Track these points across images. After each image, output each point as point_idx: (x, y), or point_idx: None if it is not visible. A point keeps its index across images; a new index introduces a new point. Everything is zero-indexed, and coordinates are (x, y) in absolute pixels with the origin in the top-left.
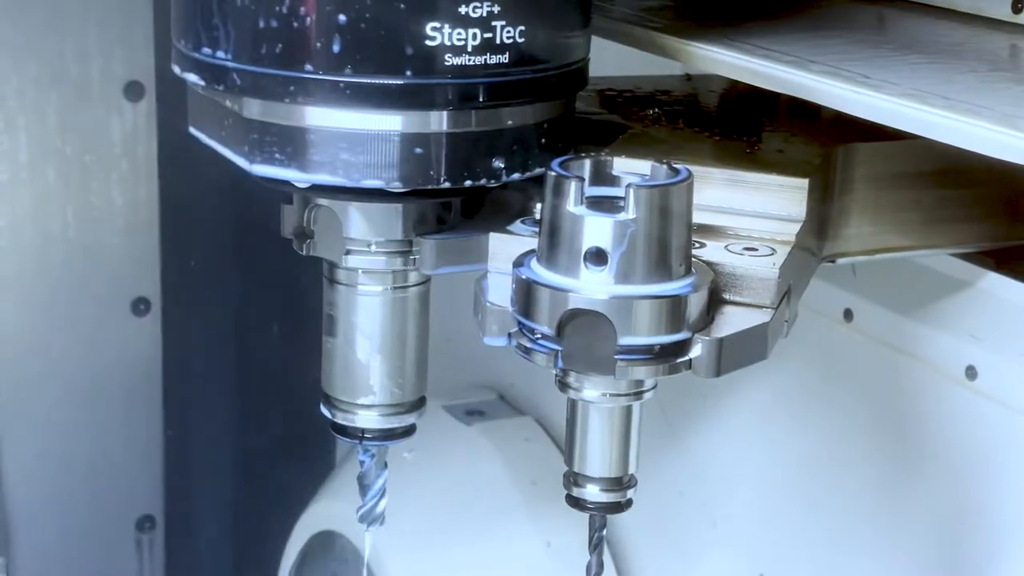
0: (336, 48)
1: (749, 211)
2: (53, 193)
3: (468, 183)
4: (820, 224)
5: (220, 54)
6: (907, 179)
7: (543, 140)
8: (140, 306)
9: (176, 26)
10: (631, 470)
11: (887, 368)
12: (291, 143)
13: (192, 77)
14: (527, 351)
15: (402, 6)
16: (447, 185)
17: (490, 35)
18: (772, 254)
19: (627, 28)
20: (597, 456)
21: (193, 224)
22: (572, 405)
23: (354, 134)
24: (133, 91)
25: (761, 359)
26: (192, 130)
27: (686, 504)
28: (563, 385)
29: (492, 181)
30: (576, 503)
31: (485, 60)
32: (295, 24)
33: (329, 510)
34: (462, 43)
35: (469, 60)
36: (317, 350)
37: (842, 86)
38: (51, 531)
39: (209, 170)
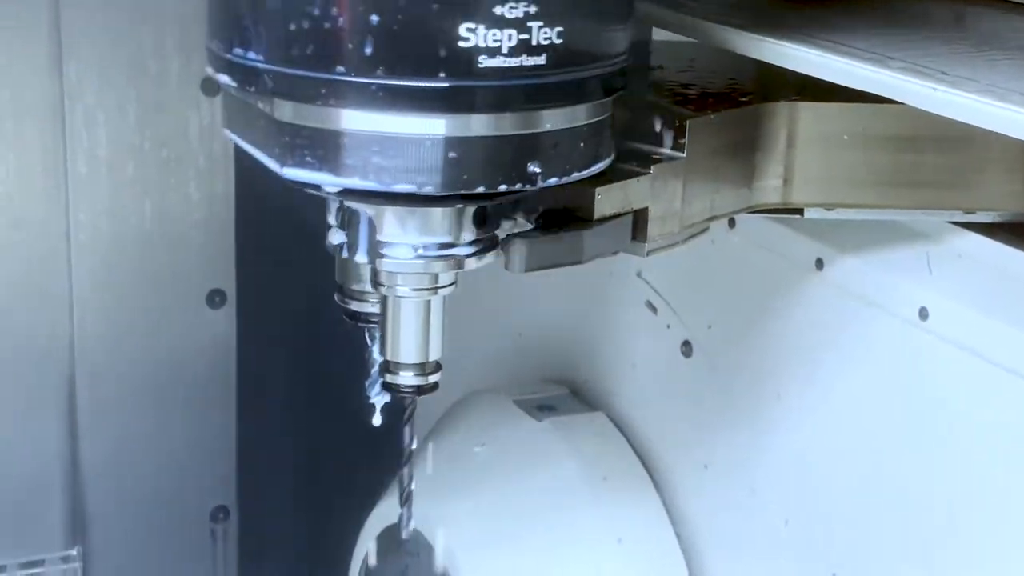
0: (368, 50)
1: None
2: (131, 187)
3: (503, 187)
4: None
5: (252, 55)
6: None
7: (582, 144)
8: (215, 299)
9: (209, 26)
10: (433, 357)
11: (962, 372)
12: (322, 146)
13: (224, 78)
14: None
15: (435, 7)
16: (481, 190)
17: (526, 36)
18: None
19: (701, 24)
20: (408, 345)
21: (268, 217)
22: (384, 302)
23: (386, 137)
24: (210, 86)
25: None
26: (226, 132)
27: (757, 502)
28: (376, 284)
29: (528, 186)
30: (390, 387)
31: (521, 62)
32: (327, 25)
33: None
34: (497, 44)
35: (505, 62)
36: None
37: (920, 83)
38: (127, 521)
39: None
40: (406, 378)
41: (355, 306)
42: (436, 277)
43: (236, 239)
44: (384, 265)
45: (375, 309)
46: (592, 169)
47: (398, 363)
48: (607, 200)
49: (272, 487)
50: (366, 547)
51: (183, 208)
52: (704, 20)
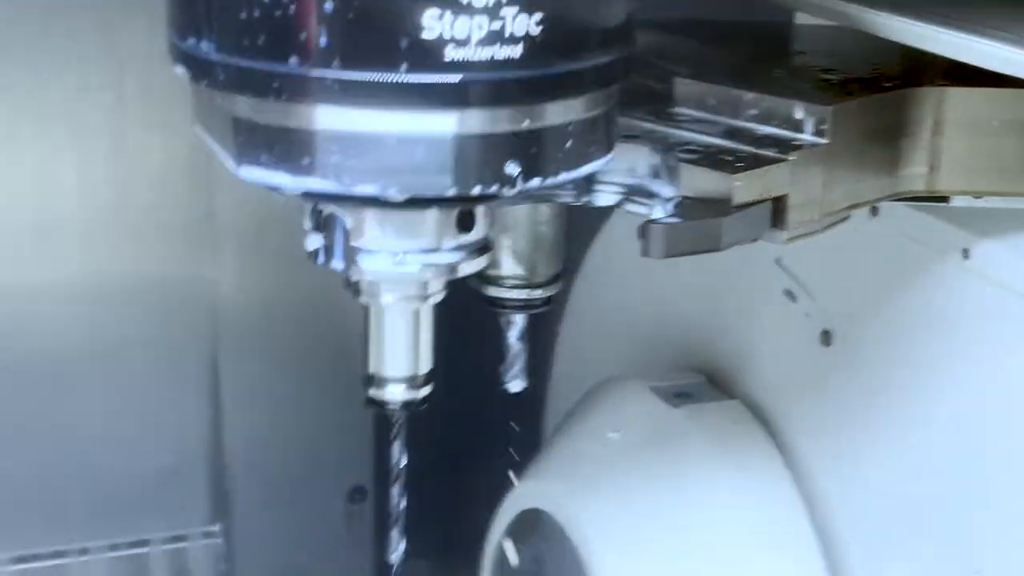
0: (323, 40)
1: None
2: None
3: (478, 190)
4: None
5: (204, 45)
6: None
7: (570, 142)
8: None
9: (167, 14)
10: (423, 370)
11: None
12: (278, 145)
13: (180, 70)
14: None
15: None
16: (453, 193)
17: (500, 25)
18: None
19: (843, 7)
20: (394, 357)
21: None
22: (367, 312)
23: (346, 135)
24: None
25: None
26: (194, 128)
27: (898, 494)
28: (356, 292)
29: (507, 188)
30: (374, 403)
31: (494, 54)
32: (278, 12)
33: (536, 489)
34: (466, 35)
35: (475, 54)
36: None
37: None
38: (267, 499)
39: None
40: (393, 392)
41: (492, 291)
42: (424, 285)
43: None
44: (362, 273)
45: (512, 295)
46: (585, 168)
47: (383, 377)
48: (747, 187)
49: (409, 470)
50: (500, 531)
51: None
52: (847, 3)
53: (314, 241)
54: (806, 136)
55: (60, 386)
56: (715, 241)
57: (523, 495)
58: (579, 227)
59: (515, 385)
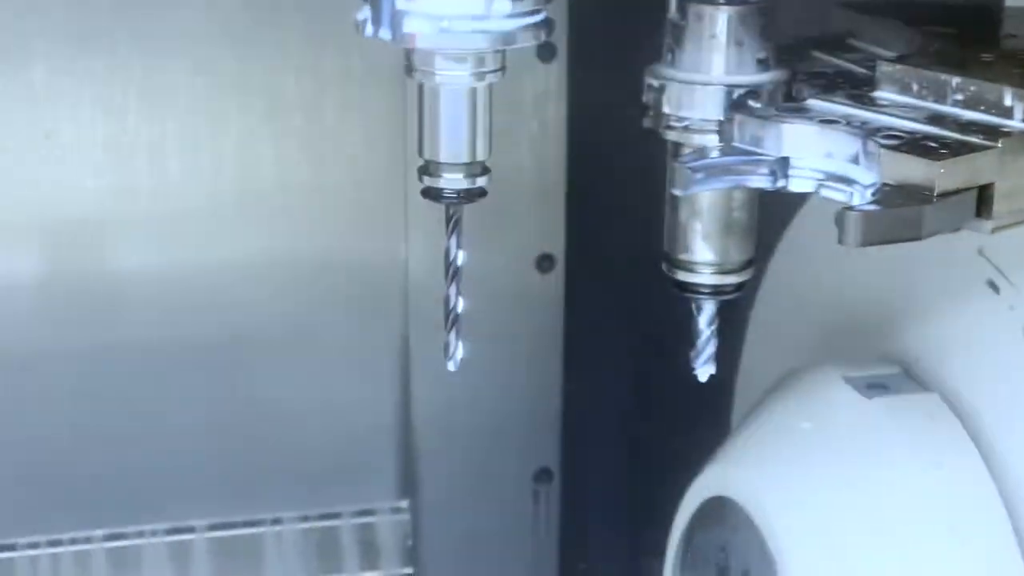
0: None
1: None
2: None
3: None
4: None
5: None
6: None
7: None
8: (544, 263)
9: None
10: (480, 156)
11: None
12: None
13: None
14: None
15: None
16: None
17: None
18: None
19: None
20: (450, 141)
21: (599, 184)
22: (420, 91)
23: None
24: (545, 52)
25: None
26: None
27: None
28: (410, 68)
29: None
30: (431, 193)
31: None
32: None
33: (722, 475)
34: None
35: None
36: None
37: None
38: (454, 478)
39: (616, 131)
40: (450, 180)
41: (682, 276)
42: (480, 60)
43: (567, 204)
44: (410, 41)
45: (703, 280)
46: None
47: (439, 163)
48: (950, 175)
49: (596, 451)
50: (687, 516)
51: (515, 174)
52: None
53: (363, 11)
54: (1015, 123)
55: (255, 361)
56: (915, 230)
57: (710, 482)
58: (773, 214)
59: (704, 372)
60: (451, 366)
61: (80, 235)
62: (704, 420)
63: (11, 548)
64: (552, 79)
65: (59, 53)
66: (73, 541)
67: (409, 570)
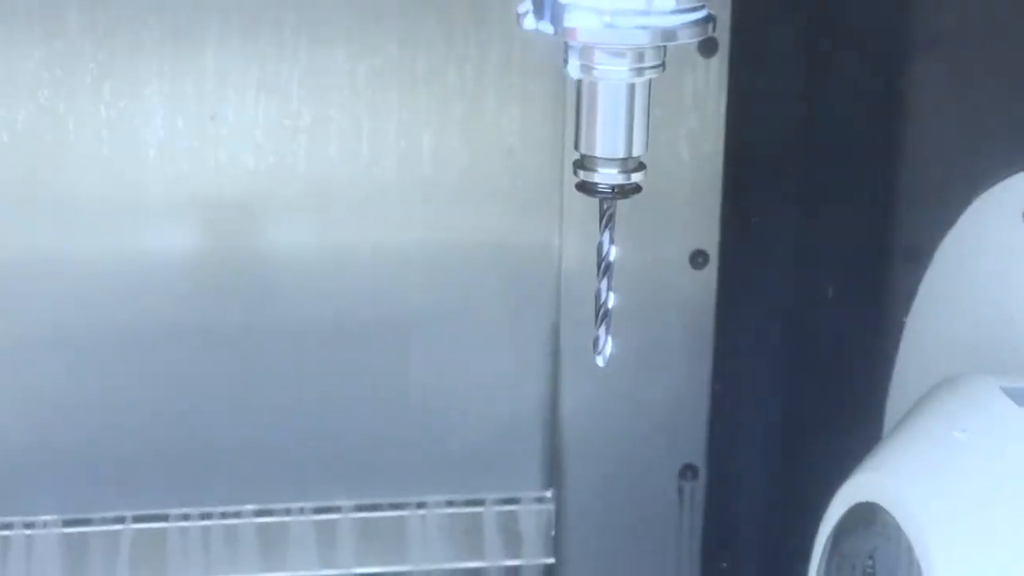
0: None
1: None
2: None
3: None
4: None
5: None
6: None
7: None
8: (698, 259)
9: None
10: (636, 152)
11: None
12: None
13: None
14: None
15: None
16: None
17: None
18: None
19: None
20: (607, 136)
21: (756, 180)
22: (579, 85)
23: None
24: (708, 46)
25: None
26: None
27: None
28: (568, 62)
29: None
30: (585, 187)
31: None
32: None
33: (873, 482)
34: None
35: None
36: (873, 318)
37: None
38: (599, 470)
39: (774, 127)
40: (605, 175)
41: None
42: (639, 55)
43: (723, 200)
44: (571, 35)
45: None
46: None
47: (595, 158)
48: None
49: (742, 451)
50: (834, 520)
51: (672, 168)
52: None
53: (524, 4)
54: None
55: (406, 345)
56: None
57: (859, 488)
58: (933, 217)
59: None
60: (600, 361)
61: (239, 215)
62: (855, 424)
63: (163, 519)
64: (713, 74)
65: (230, 36)
66: (223, 515)
67: (551, 560)
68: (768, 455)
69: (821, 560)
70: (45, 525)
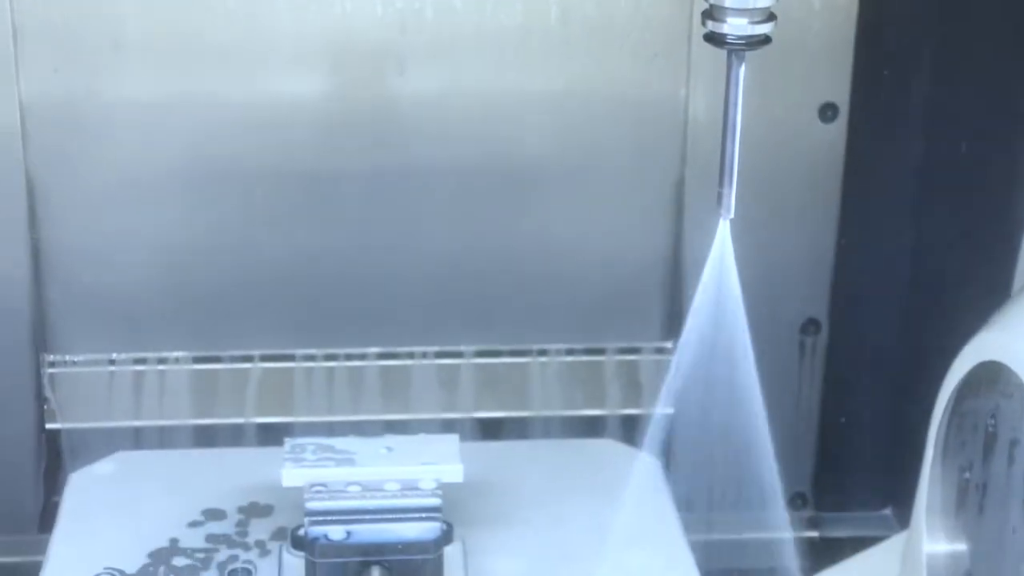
0: None
1: None
2: None
3: None
4: None
5: None
6: None
7: None
8: (827, 112)
9: None
10: (766, 2)
11: None
12: None
13: None
14: None
15: None
16: None
17: None
18: None
19: None
20: None
21: (890, 29)
22: None
23: None
24: None
25: None
26: None
27: None
28: None
29: None
30: (713, 38)
31: None
32: None
33: (998, 340)
34: None
35: None
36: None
37: None
38: (719, 322)
39: None
40: (734, 27)
41: None
42: None
43: (855, 53)
44: None
45: None
46: None
47: (723, 7)
48: None
49: (867, 307)
50: (957, 378)
51: (803, 17)
52: None
53: None
54: None
55: (530, 193)
56: None
57: (984, 347)
58: None
59: None
60: (724, 216)
61: (367, 61)
62: (983, 283)
63: (290, 359)
64: None
65: None
66: (348, 357)
67: (670, 410)
68: (891, 312)
69: (942, 419)
70: (177, 361)
